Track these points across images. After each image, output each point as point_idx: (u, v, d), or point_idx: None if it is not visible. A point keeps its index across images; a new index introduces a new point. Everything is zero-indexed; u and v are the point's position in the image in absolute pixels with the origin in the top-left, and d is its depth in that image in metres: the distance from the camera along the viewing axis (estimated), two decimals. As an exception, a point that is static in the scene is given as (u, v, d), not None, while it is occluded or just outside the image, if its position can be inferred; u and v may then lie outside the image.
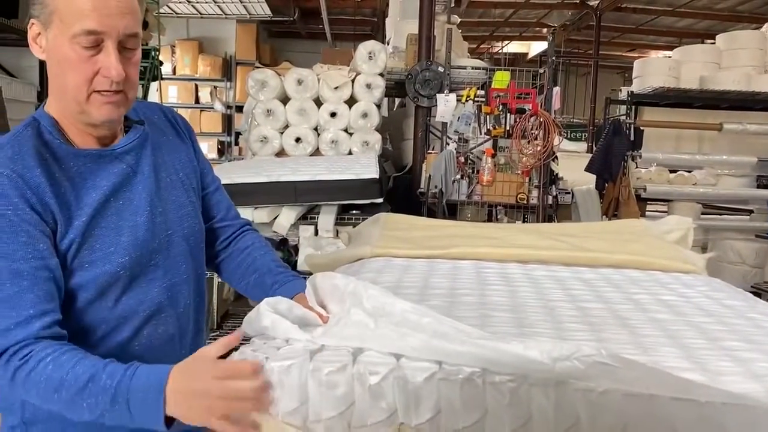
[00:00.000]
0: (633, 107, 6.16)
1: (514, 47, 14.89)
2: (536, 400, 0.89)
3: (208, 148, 9.99)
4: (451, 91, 4.60)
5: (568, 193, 6.40)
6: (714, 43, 7.60)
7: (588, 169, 6.27)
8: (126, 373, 0.98)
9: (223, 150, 10.34)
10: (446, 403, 0.92)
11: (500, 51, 14.60)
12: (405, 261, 1.76)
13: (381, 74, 4.80)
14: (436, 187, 4.22)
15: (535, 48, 14.48)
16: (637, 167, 6.34)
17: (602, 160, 6.12)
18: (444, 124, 4.59)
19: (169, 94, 10.23)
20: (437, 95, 4.16)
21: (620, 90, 7.81)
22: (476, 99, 4.24)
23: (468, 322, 1.22)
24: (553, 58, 4.28)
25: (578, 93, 14.01)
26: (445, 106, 4.10)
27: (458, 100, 4.22)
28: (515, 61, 15.01)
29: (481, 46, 14.78)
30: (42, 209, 1.05)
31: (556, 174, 6.45)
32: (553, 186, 4.37)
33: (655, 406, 0.86)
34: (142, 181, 1.17)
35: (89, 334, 1.12)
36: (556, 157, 6.84)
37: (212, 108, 10.18)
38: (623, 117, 6.23)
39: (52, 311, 1.04)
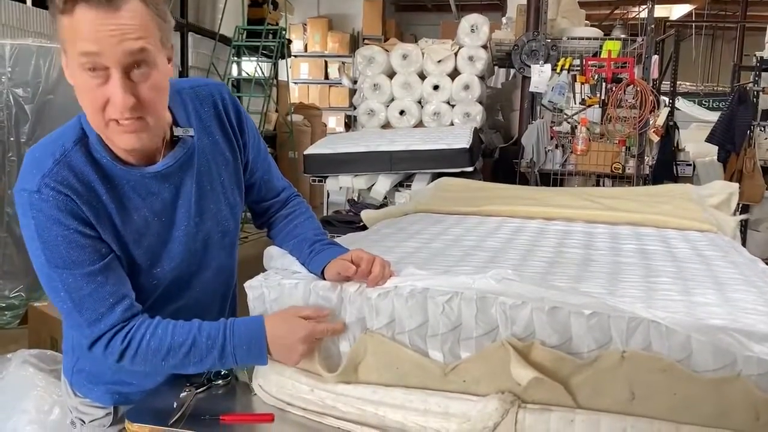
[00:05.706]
0: (760, 73, 5.79)
1: (656, 11, 14.09)
2: (464, 310, 1.14)
3: (335, 122, 10.54)
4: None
5: (690, 164, 6.17)
6: None
7: (709, 139, 6.01)
8: (225, 333, 1.18)
9: (349, 124, 10.83)
10: (397, 313, 1.19)
11: (636, 16, 13.86)
12: (441, 216, 2.00)
13: (484, 46, 4.95)
14: (530, 158, 4.34)
15: (677, 11, 13.60)
16: (766, 138, 5.98)
17: (724, 131, 5.84)
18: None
19: (300, 70, 10.85)
20: (532, 66, 4.25)
21: (754, 55, 7.30)
22: (572, 69, 4.27)
23: (451, 260, 1.47)
24: (652, 26, 4.21)
25: (723, 59, 13.05)
26: (539, 76, 4.19)
27: (553, 70, 4.28)
28: (655, 26, 14.20)
29: (615, 12, 14.10)
30: (95, 219, 1.14)
31: (677, 144, 6.23)
32: (646, 156, 4.32)
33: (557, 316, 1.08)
34: (184, 204, 1.24)
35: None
36: (677, 128, 6.58)
37: (340, 83, 10.66)
38: (750, 84, 5.89)
39: (127, 293, 1.18)
